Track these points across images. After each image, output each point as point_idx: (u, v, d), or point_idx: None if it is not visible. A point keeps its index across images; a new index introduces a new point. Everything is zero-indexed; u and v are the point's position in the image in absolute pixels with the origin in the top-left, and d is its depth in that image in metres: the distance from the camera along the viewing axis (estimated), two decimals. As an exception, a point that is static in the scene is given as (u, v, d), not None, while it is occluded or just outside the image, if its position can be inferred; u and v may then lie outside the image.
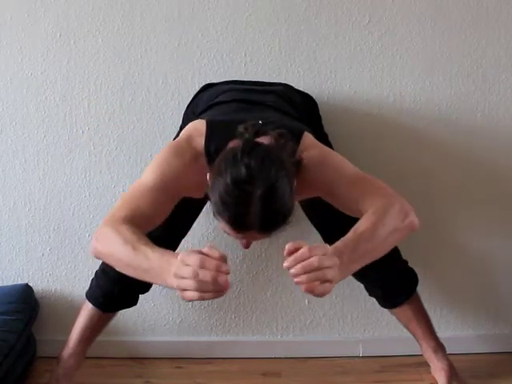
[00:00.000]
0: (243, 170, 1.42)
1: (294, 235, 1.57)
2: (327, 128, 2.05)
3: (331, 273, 1.34)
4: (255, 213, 1.42)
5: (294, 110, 1.91)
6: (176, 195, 1.63)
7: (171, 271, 1.31)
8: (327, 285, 1.35)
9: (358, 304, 2.31)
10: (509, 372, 2.19)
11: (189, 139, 1.68)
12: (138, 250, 1.40)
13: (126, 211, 1.53)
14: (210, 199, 1.52)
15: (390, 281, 2.02)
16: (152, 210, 1.56)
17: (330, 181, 1.62)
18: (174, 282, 1.31)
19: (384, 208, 1.52)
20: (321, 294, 1.35)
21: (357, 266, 1.47)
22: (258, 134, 1.53)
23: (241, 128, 1.55)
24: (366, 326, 2.33)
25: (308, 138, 1.69)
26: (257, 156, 1.44)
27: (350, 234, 1.46)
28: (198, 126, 1.71)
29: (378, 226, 1.48)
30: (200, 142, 1.66)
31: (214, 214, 1.51)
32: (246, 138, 1.51)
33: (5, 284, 2.25)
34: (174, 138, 1.90)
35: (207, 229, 2.22)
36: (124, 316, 2.21)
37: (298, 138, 1.65)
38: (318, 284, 1.33)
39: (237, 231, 1.49)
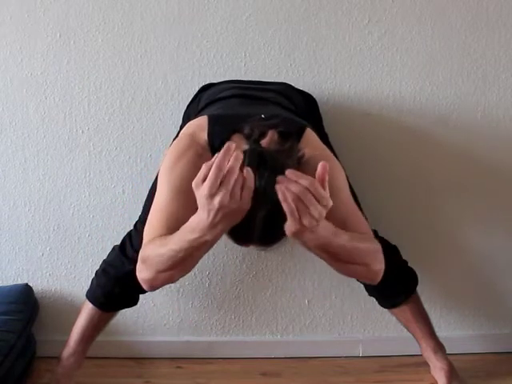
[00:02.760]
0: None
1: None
2: (327, 128, 2.05)
3: (322, 211, 1.30)
4: (256, 231, 1.40)
5: (295, 107, 1.91)
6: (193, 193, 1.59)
7: (199, 214, 1.31)
8: (313, 220, 1.30)
9: (357, 304, 2.31)
10: (509, 372, 2.19)
11: (191, 136, 1.67)
12: (171, 237, 1.43)
13: (155, 232, 1.53)
14: None
15: (390, 281, 2.01)
16: (180, 216, 1.48)
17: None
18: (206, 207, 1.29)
19: (373, 243, 1.56)
20: (306, 222, 1.29)
21: (332, 244, 1.44)
22: (263, 135, 1.51)
23: (247, 129, 1.51)
24: (365, 326, 2.33)
25: (310, 134, 1.70)
26: (261, 177, 1.36)
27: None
28: (200, 122, 1.71)
29: (362, 242, 1.51)
30: (203, 136, 1.65)
31: None
32: (252, 150, 1.42)
33: (5, 284, 2.25)
34: (174, 138, 1.89)
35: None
36: (124, 316, 2.21)
37: (299, 133, 1.65)
38: (305, 208, 1.28)
39: (236, 243, 1.50)
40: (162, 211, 1.56)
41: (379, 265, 1.56)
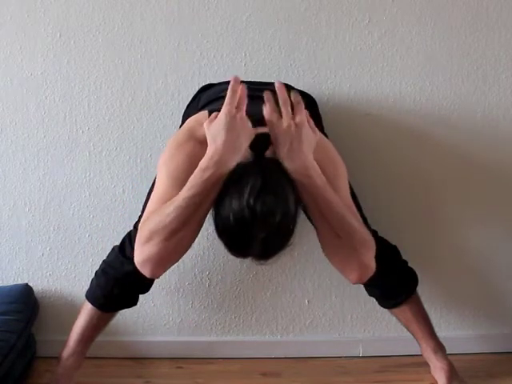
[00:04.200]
0: (247, 213, 1.41)
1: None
2: (327, 128, 2.04)
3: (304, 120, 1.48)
4: (255, 250, 1.46)
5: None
6: None
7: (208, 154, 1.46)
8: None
9: (358, 304, 2.31)
10: (508, 372, 2.19)
11: (189, 131, 1.68)
12: (177, 196, 1.49)
13: None
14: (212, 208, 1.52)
15: (390, 281, 2.02)
16: None
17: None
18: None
19: (367, 234, 1.56)
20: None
21: (319, 189, 1.50)
22: (266, 147, 1.51)
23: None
24: (365, 326, 2.33)
25: None
26: (264, 200, 1.40)
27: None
28: (200, 117, 1.72)
29: (355, 220, 1.54)
30: (203, 131, 1.64)
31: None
32: (255, 169, 1.47)
33: (5, 284, 2.25)
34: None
35: (207, 229, 2.22)
36: (124, 316, 2.21)
37: None
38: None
39: (234, 256, 1.53)
40: (160, 199, 1.56)
41: (368, 256, 1.54)
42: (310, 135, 1.53)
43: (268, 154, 1.54)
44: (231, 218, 1.44)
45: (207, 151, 1.48)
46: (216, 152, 1.46)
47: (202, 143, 1.63)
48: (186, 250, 1.60)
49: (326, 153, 1.69)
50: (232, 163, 1.47)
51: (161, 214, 1.50)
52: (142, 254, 1.55)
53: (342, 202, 1.53)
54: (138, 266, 1.57)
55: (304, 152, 1.49)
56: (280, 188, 1.46)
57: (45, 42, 2.13)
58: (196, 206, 1.47)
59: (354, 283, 1.63)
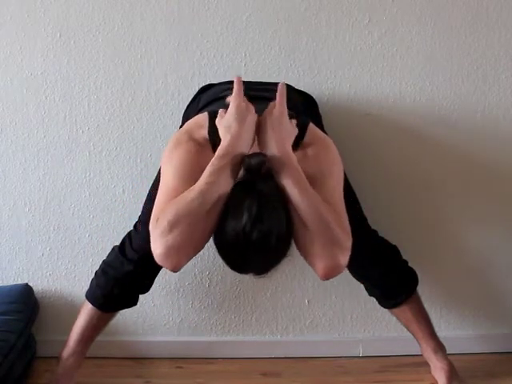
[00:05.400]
0: (243, 239, 1.46)
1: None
2: (327, 128, 2.04)
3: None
4: (252, 269, 1.55)
5: (294, 109, 1.90)
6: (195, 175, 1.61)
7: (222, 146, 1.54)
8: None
9: (358, 304, 2.31)
10: (508, 372, 2.19)
11: (188, 132, 1.68)
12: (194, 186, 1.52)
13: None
14: None
15: (390, 281, 2.02)
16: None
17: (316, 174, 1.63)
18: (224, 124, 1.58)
19: (344, 230, 1.55)
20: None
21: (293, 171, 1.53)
22: (262, 168, 1.53)
23: (247, 162, 1.54)
24: (366, 326, 2.33)
25: (313, 129, 1.73)
26: (260, 229, 1.45)
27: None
28: (199, 119, 1.72)
29: (327, 215, 1.52)
30: (202, 133, 1.67)
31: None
32: (251, 194, 1.50)
33: (5, 284, 2.25)
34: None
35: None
36: (124, 316, 2.21)
37: (303, 128, 1.68)
38: None
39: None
40: (170, 194, 1.57)
41: (339, 256, 1.53)
42: (289, 126, 1.61)
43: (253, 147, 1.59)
44: (228, 241, 1.49)
45: (222, 142, 1.56)
46: (231, 141, 1.55)
47: (201, 144, 1.65)
48: (205, 243, 1.58)
49: (326, 151, 1.69)
50: (245, 150, 1.55)
51: (181, 201, 1.50)
52: (165, 244, 1.50)
53: (319, 198, 1.53)
54: (161, 258, 1.52)
55: (283, 139, 1.57)
56: (275, 213, 1.49)
57: (45, 42, 2.13)
58: (216, 194, 1.50)
59: (322, 280, 1.63)
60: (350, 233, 1.58)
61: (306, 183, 1.54)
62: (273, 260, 1.55)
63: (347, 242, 1.55)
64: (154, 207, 1.59)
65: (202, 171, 1.55)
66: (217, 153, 1.55)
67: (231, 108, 1.60)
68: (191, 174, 1.58)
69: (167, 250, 1.51)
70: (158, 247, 1.51)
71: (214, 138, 1.64)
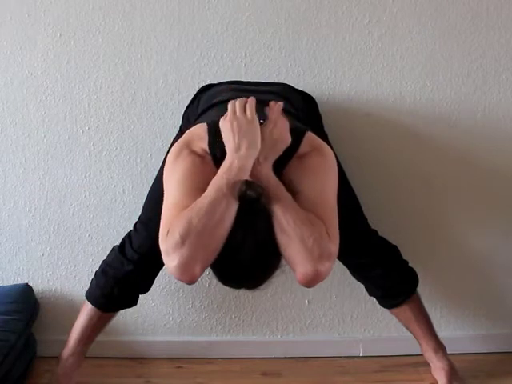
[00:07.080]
0: (234, 271, 1.54)
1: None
2: (327, 128, 2.05)
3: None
4: (246, 287, 1.68)
5: (294, 109, 1.91)
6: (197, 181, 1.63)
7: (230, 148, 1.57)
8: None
9: (358, 304, 2.31)
10: (509, 372, 2.19)
11: (188, 145, 1.68)
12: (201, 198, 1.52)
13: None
14: None
15: (390, 281, 2.02)
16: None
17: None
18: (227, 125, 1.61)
19: (320, 230, 1.53)
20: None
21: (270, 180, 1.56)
22: (261, 195, 1.52)
23: (243, 190, 1.51)
24: (365, 326, 2.33)
25: (308, 137, 1.70)
26: (255, 257, 1.50)
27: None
28: (199, 131, 1.71)
29: (304, 224, 1.51)
30: (202, 146, 1.66)
31: None
32: (247, 228, 1.51)
33: (5, 284, 2.25)
34: (174, 139, 1.90)
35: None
36: (124, 316, 2.21)
37: (299, 138, 1.67)
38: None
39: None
40: (177, 206, 1.56)
41: (319, 262, 1.52)
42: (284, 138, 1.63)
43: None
44: (222, 270, 1.56)
45: (229, 157, 1.57)
46: (240, 159, 1.55)
47: (200, 156, 1.65)
48: (218, 251, 1.53)
49: (322, 159, 1.67)
50: (250, 160, 1.57)
51: (192, 212, 1.49)
52: (181, 257, 1.47)
53: (299, 211, 1.53)
54: (178, 271, 1.49)
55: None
56: (270, 245, 1.51)
57: (45, 42, 2.13)
58: (224, 204, 1.49)
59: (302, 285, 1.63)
60: (336, 238, 1.56)
61: (287, 199, 1.53)
62: (264, 280, 1.60)
63: (330, 249, 1.53)
64: (162, 222, 1.58)
65: (205, 182, 1.55)
66: (221, 168, 1.56)
67: (234, 126, 1.60)
68: (194, 186, 1.58)
69: (184, 263, 1.48)
70: (172, 260, 1.48)
71: (214, 150, 1.65)
